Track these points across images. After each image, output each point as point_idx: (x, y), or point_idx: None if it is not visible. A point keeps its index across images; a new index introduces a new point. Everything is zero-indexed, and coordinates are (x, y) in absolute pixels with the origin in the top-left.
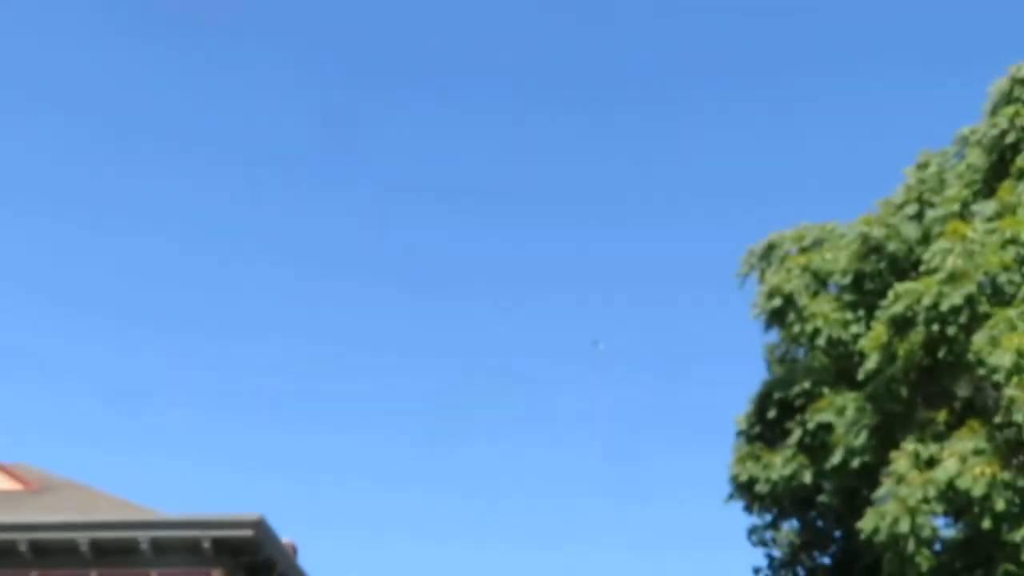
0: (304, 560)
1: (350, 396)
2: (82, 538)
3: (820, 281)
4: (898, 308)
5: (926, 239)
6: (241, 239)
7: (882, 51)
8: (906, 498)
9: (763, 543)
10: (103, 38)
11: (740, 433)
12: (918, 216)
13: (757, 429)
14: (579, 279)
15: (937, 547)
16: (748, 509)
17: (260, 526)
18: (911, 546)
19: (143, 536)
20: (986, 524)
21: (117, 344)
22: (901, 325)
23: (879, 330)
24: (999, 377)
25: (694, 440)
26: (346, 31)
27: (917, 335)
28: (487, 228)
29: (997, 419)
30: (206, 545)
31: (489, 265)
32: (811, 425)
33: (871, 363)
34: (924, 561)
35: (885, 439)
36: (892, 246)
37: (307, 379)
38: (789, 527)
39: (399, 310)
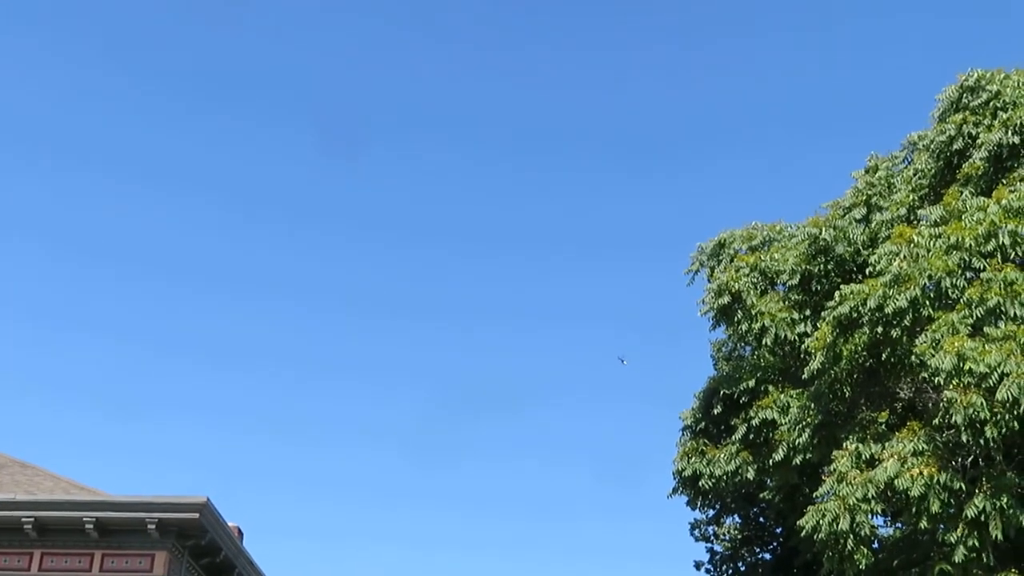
0: (250, 544)
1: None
2: (26, 517)
3: (768, 280)
4: (843, 309)
5: (873, 242)
6: (229, 269)
7: (835, 52)
8: (846, 497)
9: (705, 538)
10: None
11: (685, 428)
12: (866, 219)
13: (702, 424)
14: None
15: (875, 545)
16: (691, 504)
17: (206, 509)
18: (850, 544)
19: (88, 516)
20: (923, 524)
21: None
22: (846, 326)
23: (824, 330)
24: (940, 379)
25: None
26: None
27: (861, 336)
28: (474, 262)
29: (936, 421)
30: (151, 527)
31: (477, 297)
32: (756, 422)
33: (816, 362)
34: (862, 559)
35: (828, 438)
36: (839, 248)
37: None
38: (731, 522)
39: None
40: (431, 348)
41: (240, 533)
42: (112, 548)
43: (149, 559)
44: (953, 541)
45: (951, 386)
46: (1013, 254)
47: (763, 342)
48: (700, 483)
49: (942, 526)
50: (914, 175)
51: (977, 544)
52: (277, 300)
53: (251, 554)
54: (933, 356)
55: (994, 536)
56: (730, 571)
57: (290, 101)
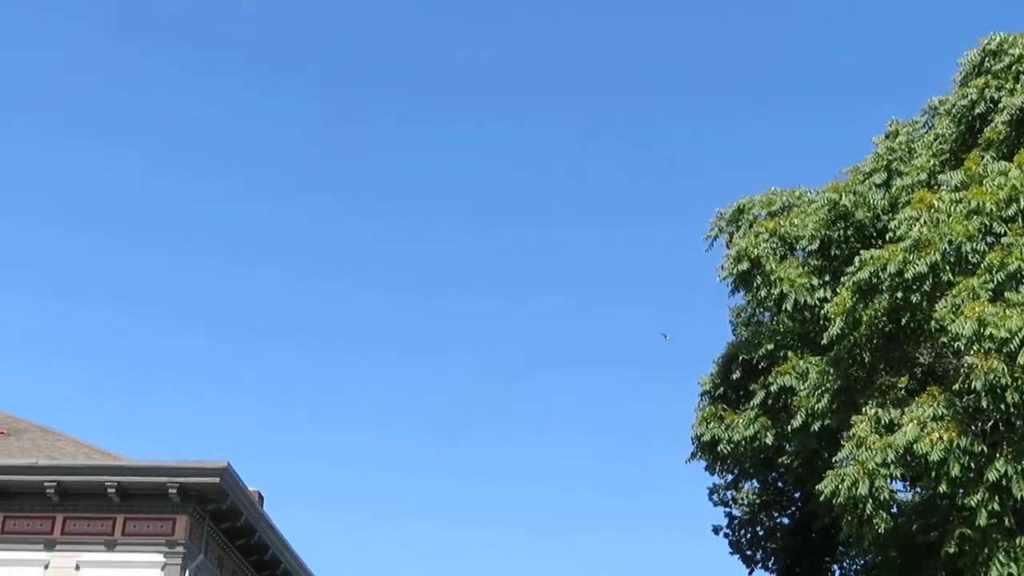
0: (270, 509)
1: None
2: (48, 481)
3: (788, 246)
4: (863, 274)
5: (893, 207)
6: (252, 246)
7: (858, 18)
8: (865, 461)
9: (724, 502)
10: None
11: (704, 394)
12: (886, 184)
13: (721, 390)
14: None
15: (894, 510)
16: (710, 469)
17: (226, 474)
18: (869, 508)
19: (110, 481)
20: (942, 488)
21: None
22: (866, 291)
23: (844, 296)
24: (960, 345)
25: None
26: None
27: (881, 301)
28: (488, 237)
29: (956, 386)
30: (172, 491)
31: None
32: (774, 387)
33: (835, 328)
34: (881, 523)
35: (847, 403)
36: (859, 213)
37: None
38: (750, 487)
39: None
40: (453, 320)
41: (260, 498)
42: (133, 512)
43: (170, 523)
44: (973, 505)
45: (971, 351)
46: None
47: (782, 307)
48: (719, 448)
49: (962, 490)
50: (935, 140)
51: (998, 508)
52: (294, 273)
53: (271, 518)
54: (953, 321)
55: (1017, 498)
56: (748, 535)
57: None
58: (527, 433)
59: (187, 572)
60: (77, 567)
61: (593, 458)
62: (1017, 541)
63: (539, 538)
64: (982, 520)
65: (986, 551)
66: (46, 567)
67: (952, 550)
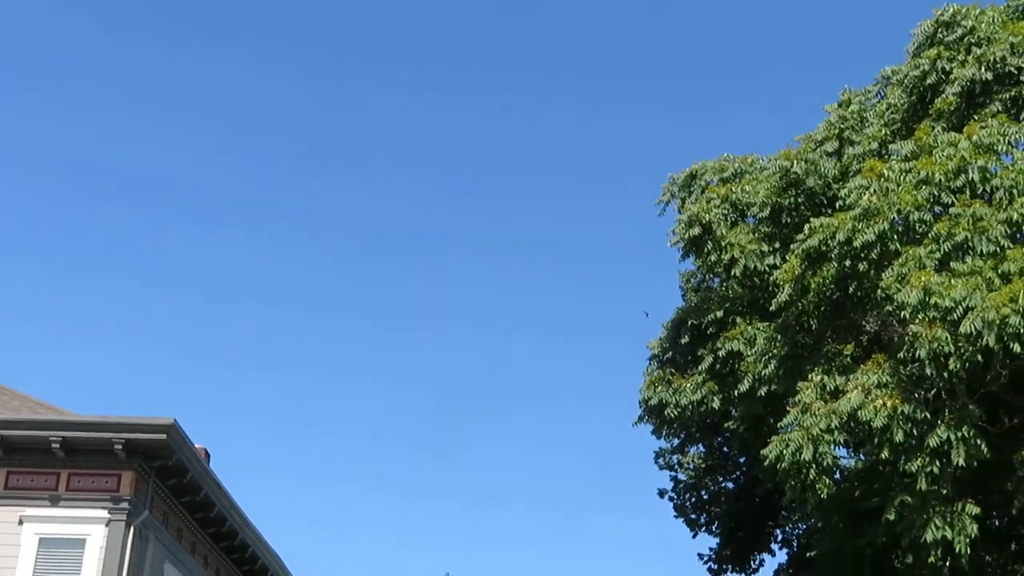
0: (217, 468)
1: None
2: None
3: (739, 212)
4: (812, 242)
5: (844, 176)
6: (206, 200)
7: None
8: (810, 427)
9: (669, 467)
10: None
11: (652, 358)
12: (837, 153)
13: (670, 354)
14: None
15: (837, 476)
16: (657, 432)
17: (173, 430)
18: (812, 474)
19: (54, 436)
20: (885, 454)
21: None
22: (815, 259)
23: (793, 263)
24: (905, 313)
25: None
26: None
27: (829, 269)
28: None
29: (901, 354)
30: (118, 447)
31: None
32: (722, 353)
33: (784, 295)
34: (824, 488)
35: (793, 369)
36: (811, 181)
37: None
38: (695, 452)
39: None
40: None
41: (207, 455)
42: (78, 468)
43: (116, 479)
44: (914, 471)
45: (916, 320)
46: (982, 190)
47: (732, 273)
48: (666, 412)
49: (904, 457)
50: (887, 110)
51: (937, 472)
52: (243, 228)
53: (218, 476)
54: (899, 290)
55: (955, 464)
56: (693, 499)
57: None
58: (479, 399)
59: (132, 528)
60: (20, 522)
61: (543, 423)
62: (954, 506)
63: (487, 500)
64: (922, 485)
65: (924, 516)
66: None
67: (892, 516)
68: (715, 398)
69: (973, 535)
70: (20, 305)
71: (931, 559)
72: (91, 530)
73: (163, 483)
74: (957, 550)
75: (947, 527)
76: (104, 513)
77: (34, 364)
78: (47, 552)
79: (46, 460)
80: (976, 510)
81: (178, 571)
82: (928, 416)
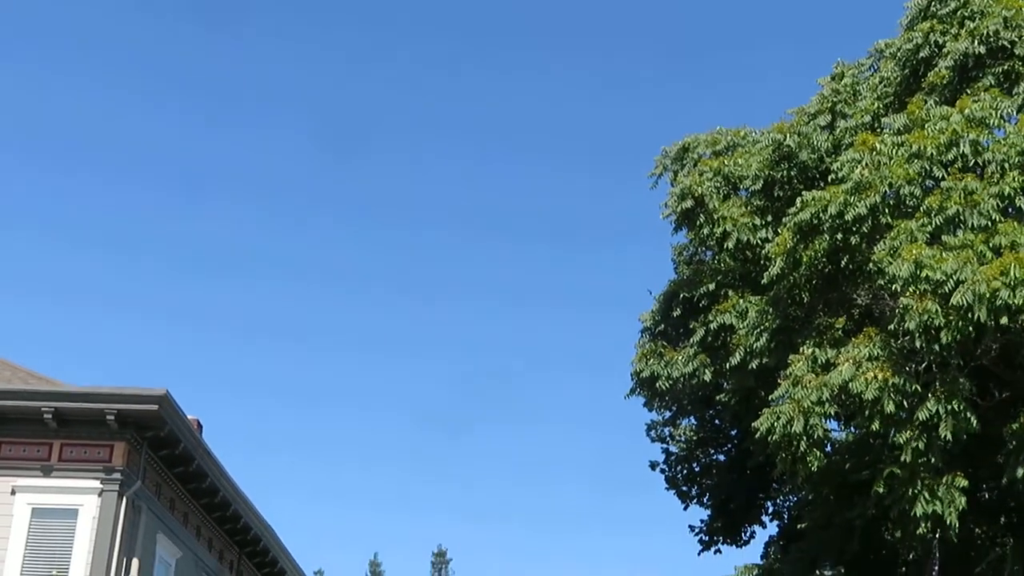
0: (209, 438)
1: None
2: None
3: (731, 185)
4: (804, 215)
5: (836, 149)
6: (205, 173)
7: None
8: (801, 400)
9: (661, 439)
10: None
11: (644, 330)
12: (830, 126)
13: (661, 327)
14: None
15: (828, 449)
16: (648, 405)
17: (165, 401)
18: (803, 446)
19: (46, 406)
20: (875, 426)
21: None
22: (806, 232)
23: (785, 236)
24: (897, 286)
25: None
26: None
27: (821, 243)
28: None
29: (892, 327)
30: (110, 418)
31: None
32: (714, 326)
33: (775, 268)
34: (814, 461)
35: (785, 342)
36: (803, 154)
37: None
38: (687, 424)
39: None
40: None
41: (200, 426)
42: (71, 438)
43: (108, 450)
44: (903, 443)
45: (907, 293)
46: (974, 163)
47: (724, 246)
48: (657, 384)
49: (894, 430)
50: (880, 83)
51: (924, 446)
52: (230, 199)
53: (210, 447)
54: (891, 263)
55: (944, 437)
56: (684, 471)
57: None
58: (466, 365)
59: (124, 499)
60: (13, 492)
61: (537, 390)
62: (943, 479)
63: (469, 471)
64: (907, 457)
65: (913, 490)
66: None
67: (881, 489)
68: (707, 371)
69: (962, 508)
70: (13, 275)
71: (920, 531)
72: (84, 500)
73: (155, 454)
74: (947, 523)
75: (936, 500)
76: (97, 484)
77: (26, 335)
78: (40, 522)
79: (38, 431)
80: (964, 483)
81: (171, 542)
82: (919, 389)
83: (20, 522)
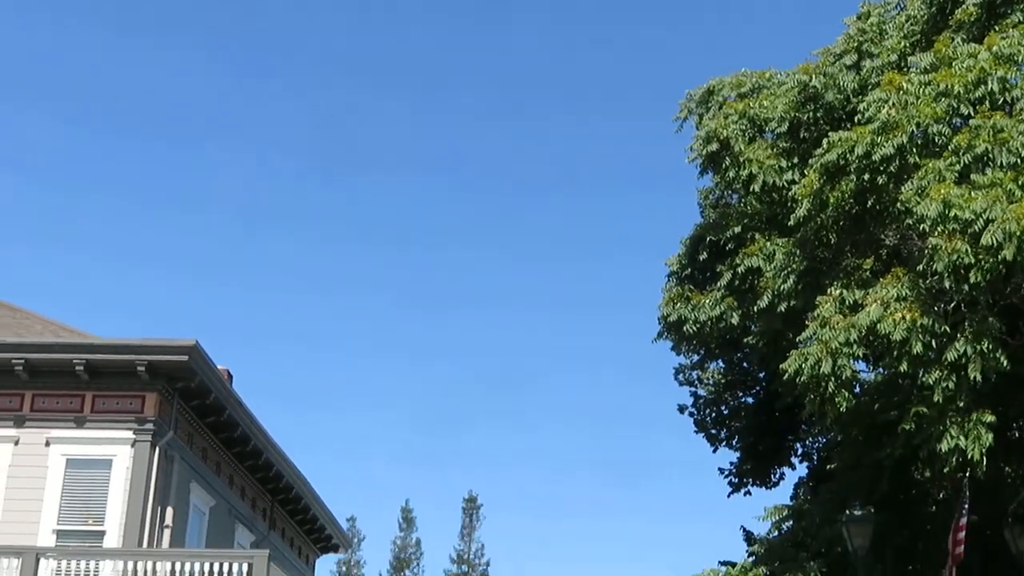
0: (239, 388)
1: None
2: (16, 359)
3: (757, 128)
4: (831, 156)
5: (863, 89)
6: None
7: None
8: (828, 341)
9: (689, 382)
10: None
11: (671, 274)
12: (856, 66)
13: (688, 271)
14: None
15: (856, 389)
16: (676, 349)
17: (194, 351)
18: (831, 387)
19: (78, 359)
20: (904, 367)
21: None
22: (833, 173)
23: (812, 178)
24: (925, 226)
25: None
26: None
27: (848, 183)
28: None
29: (921, 267)
30: (141, 369)
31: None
32: (741, 269)
33: (802, 209)
34: (843, 402)
35: (812, 284)
36: (829, 95)
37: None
38: (715, 367)
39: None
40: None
41: (229, 376)
42: (102, 390)
43: (140, 400)
44: (932, 383)
45: (936, 233)
46: (1002, 101)
47: (750, 189)
48: (684, 328)
49: (922, 370)
50: (906, 21)
51: (954, 386)
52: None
53: (241, 397)
54: (919, 203)
55: (972, 378)
56: (713, 415)
57: None
58: (496, 310)
59: (157, 449)
60: (47, 443)
61: (566, 342)
62: (970, 416)
63: (502, 406)
64: (939, 397)
65: (940, 427)
66: (16, 443)
67: (909, 427)
68: (734, 314)
69: (988, 444)
70: (42, 230)
71: (946, 469)
72: (117, 451)
73: (187, 404)
74: (971, 459)
75: (961, 436)
76: (129, 434)
77: (56, 289)
78: (74, 473)
79: (70, 383)
80: (991, 418)
81: (204, 490)
82: (947, 329)
83: (55, 473)
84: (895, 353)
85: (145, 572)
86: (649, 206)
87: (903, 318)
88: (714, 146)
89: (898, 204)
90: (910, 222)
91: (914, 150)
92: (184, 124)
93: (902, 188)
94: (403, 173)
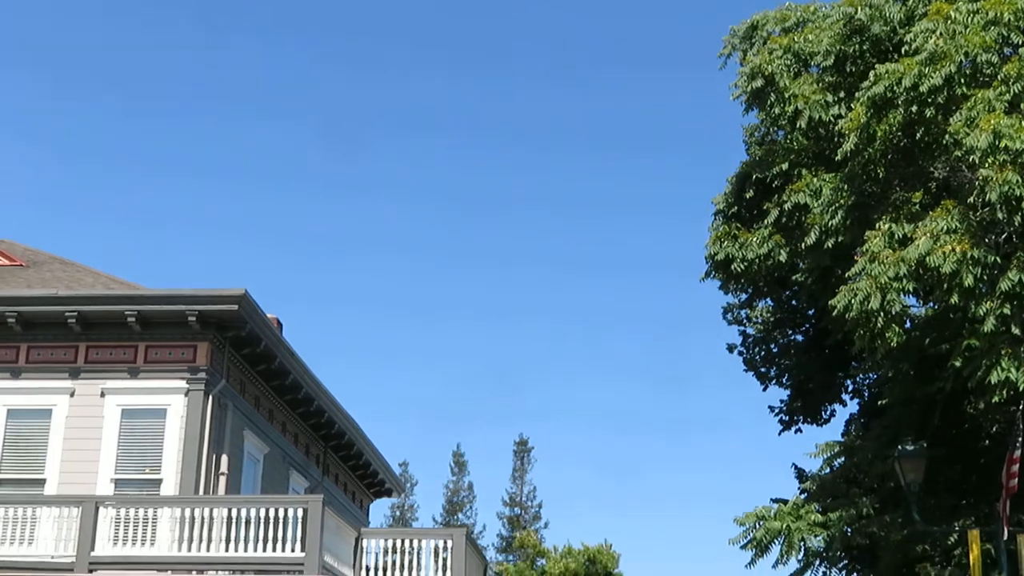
0: (289, 336)
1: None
2: (69, 311)
3: (802, 62)
4: (878, 89)
5: (909, 20)
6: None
7: None
8: (878, 276)
9: (738, 321)
10: None
11: (718, 213)
12: None
13: (735, 209)
14: None
15: (906, 324)
16: (724, 287)
17: (244, 301)
18: (881, 322)
19: (129, 310)
20: (954, 300)
21: (112, 118)
22: (880, 106)
23: (858, 111)
24: (975, 158)
25: (672, 219)
26: None
27: (896, 116)
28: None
29: (971, 199)
30: (191, 319)
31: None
32: (788, 205)
33: (849, 144)
34: (893, 337)
35: (861, 219)
36: (875, 27)
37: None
38: (763, 305)
39: None
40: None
41: (279, 324)
42: (154, 340)
43: (192, 350)
44: (983, 314)
45: (986, 164)
46: None
47: (796, 125)
48: (732, 267)
49: (973, 302)
50: None
51: (1009, 313)
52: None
53: (291, 344)
54: (968, 134)
55: None
56: (762, 353)
57: None
58: (528, 270)
59: (210, 397)
60: (102, 394)
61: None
62: (1021, 347)
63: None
64: (989, 326)
65: (991, 359)
66: (72, 394)
67: (959, 362)
68: (782, 251)
69: None
70: (88, 186)
71: (995, 400)
72: (171, 400)
73: (238, 353)
74: (1023, 390)
75: (1012, 368)
76: (182, 384)
77: (105, 245)
78: (130, 423)
79: (123, 334)
80: None
81: (257, 437)
82: (999, 260)
83: (111, 423)
84: (945, 286)
85: (202, 518)
86: (695, 145)
87: (953, 251)
88: (759, 82)
89: (947, 136)
90: (959, 154)
91: (962, 80)
92: (238, 85)
93: (951, 119)
94: (452, 135)
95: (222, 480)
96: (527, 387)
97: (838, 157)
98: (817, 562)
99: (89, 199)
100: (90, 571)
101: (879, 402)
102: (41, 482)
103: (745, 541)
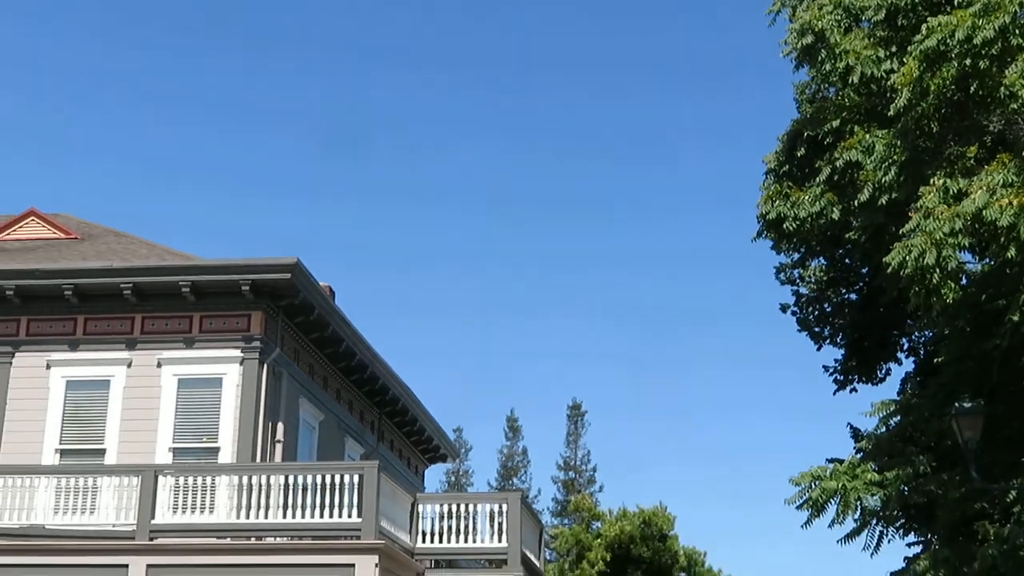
0: (341, 304)
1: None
2: (124, 283)
3: (852, 17)
4: (930, 42)
5: None
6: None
7: None
8: (933, 231)
9: (791, 281)
10: None
11: (769, 172)
12: None
13: (786, 168)
14: None
15: (962, 280)
16: (776, 247)
17: (296, 269)
18: (936, 279)
19: (184, 280)
20: (1011, 254)
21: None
22: (933, 60)
23: (911, 65)
24: None
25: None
26: None
27: (949, 70)
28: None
29: None
30: (245, 288)
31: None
32: (840, 163)
33: (902, 99)
34: (949, 293)
35: (914, 175)
36: None
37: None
38: (816, 264)
39: None
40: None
41: (332, 292)
42: (209, 310)
43: (246, 319)
44: None
45: None
46: None
47: (848, 81)
48: (784, 226)
49: None
50: None
51: None
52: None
53: (344, 312)
54: (1023, 87)
55: None
56: (816, 313)
57: None
58: (605, 211)
59: (265, 366)
60: (159, 364)
61: (663, 240)
62: None
63: (608, 318)
64: None
65: None
66: (129, 365)
67: (1016, 317)
68: (834, 209)
69: None
70: (140, 156)
71: None
72: (226, 369)
73: (291, 321)
74: None
75: None
76: (237, 352)
77: (158, 215)
78: (186, 392)
79: (178, 305)
80: None
81: (312, 405)
82: None
83: (168, 393)
84: (1002, 240)
85: (260, 486)
86: (746, 104)
87: (1010, 204)
88: (809, 39)
89: (1002, 88)
90: (1015, 106)
91: (1017, 32)
92: (287, 45)
93: (1006, 72)
94: (496, 80)
95: (278, 447)
96: (583, 343)
97: (891, 113)
98: (874, 521)
99: (141, 164)
100: (151, 539)
101: (935, 360)
102: (101, 452)
103: (801, 501)
